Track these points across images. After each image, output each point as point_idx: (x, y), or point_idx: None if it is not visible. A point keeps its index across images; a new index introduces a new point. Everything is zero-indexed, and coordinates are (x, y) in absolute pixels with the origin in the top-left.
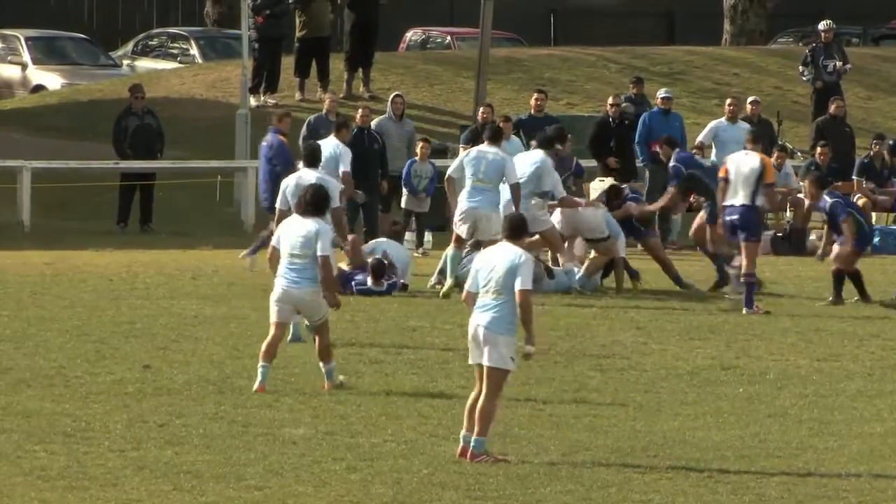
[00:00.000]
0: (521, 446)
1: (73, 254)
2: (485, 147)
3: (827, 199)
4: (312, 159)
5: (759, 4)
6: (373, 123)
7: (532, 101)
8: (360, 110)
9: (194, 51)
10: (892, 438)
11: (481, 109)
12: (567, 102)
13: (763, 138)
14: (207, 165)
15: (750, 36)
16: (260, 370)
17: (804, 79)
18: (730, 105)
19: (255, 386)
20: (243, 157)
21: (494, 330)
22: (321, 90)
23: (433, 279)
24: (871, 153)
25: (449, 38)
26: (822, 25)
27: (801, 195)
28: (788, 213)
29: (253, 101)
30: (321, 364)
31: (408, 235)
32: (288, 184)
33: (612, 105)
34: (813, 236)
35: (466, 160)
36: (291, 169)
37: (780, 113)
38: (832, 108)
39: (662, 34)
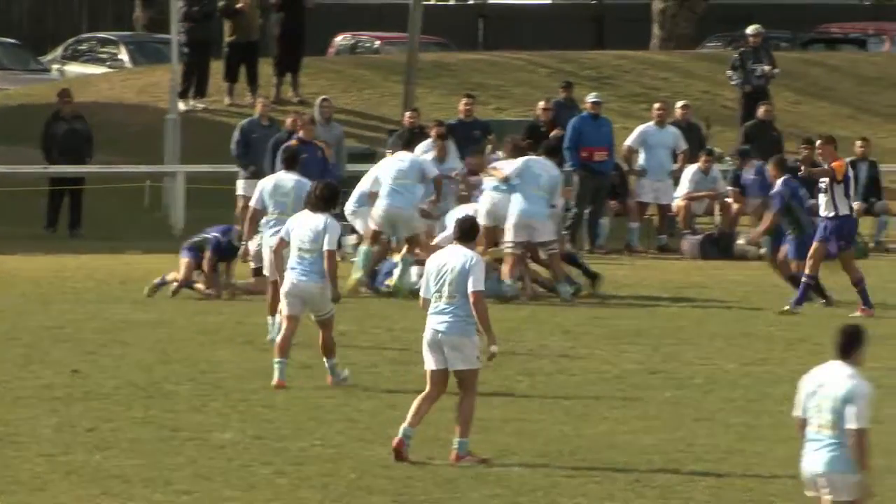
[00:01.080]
0: (449, 450)
1: (1, 258)
2: (400, 154)
3: (778, 185)
4: (292, 162)
5: (688, 9)
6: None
7: (461, 106)
8: (290, 115)
9: (124, 55)
10: None
11: (407, 114)
12: (496, 107)
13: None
14: (136, 170)
15: (679, 40)
16: (276, 366)
17: (733, 83)
18: (658, 109)
19: (275, 380)
20: (172, 162)
21: (454, 333)
22: (250, 94)
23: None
24: (800, 157)
25: (378, 42)
26: (750, 30)
27: (728, 199)
28: (717, 217)
29: (182, 106)
30: (324, 359)
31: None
32: (265, 185)
33: (543, 109)
34: (741, 241)
35: (383, 168)
36: (327, 175)
37: (708, 117)
38: (760, 113)
39: (591, 38)
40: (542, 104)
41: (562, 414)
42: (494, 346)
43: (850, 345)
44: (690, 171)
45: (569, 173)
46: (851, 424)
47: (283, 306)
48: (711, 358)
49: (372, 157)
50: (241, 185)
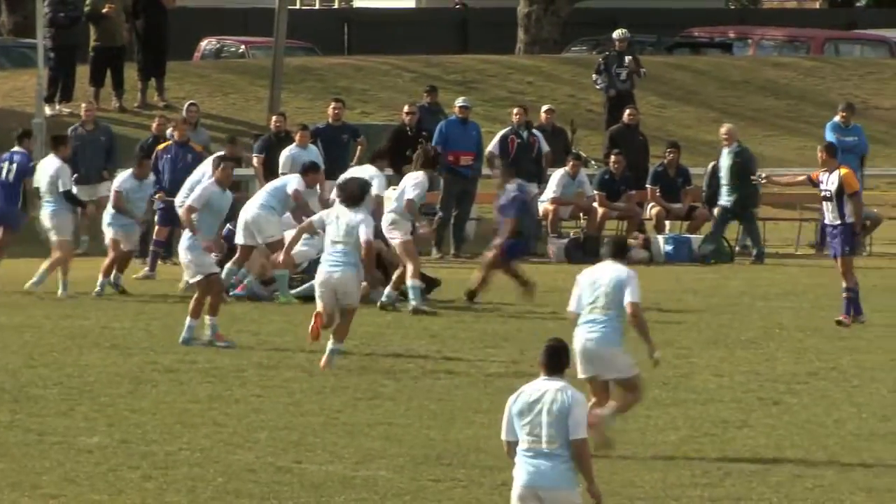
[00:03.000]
0: (315, 454)
1: None
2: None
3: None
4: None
5: (552, 13)
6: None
7: (330, 110)
8: (155, 119)
9: None
10: (685, 447)
11: (274, 118)
12: (361, 111)
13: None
14: None
15: (544, 44)
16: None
17: (598, 87)
18: (516, 114)
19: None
20: None
21: (607, 345)
22: (116, 99)
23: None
24: (665, 161)
25: (243, 47)
26: (616, 34)
27: (594, 203)
28: (581, 220)
29: (48, 111)
30: (331, 341)
31: None
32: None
33: (407, 113)
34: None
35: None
36: None
37: (573, 121)
38: (626, 117)
39: (456, 43)
40: (406, 108)
41: (428, 418)
42: (657, 353)
43: (558, 360)
44: (558, 175)
45: (435, 177)
46: (576, 435)
47: (317, 300)
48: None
49: (238, 163)
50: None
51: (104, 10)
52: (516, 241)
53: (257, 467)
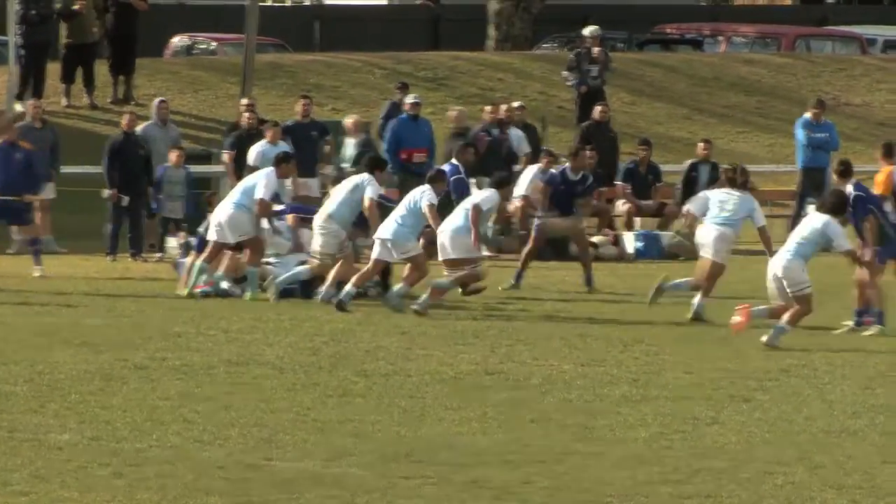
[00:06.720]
0: (286, 451)
1: None
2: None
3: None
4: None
5: (523, 10)
6: (138, 129)
7: (298, 107)
8: (125, 116)
9: None
10: (655, 443)
11: (246, 115)
12: (332, 108)
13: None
14: None
15: (515, 41)
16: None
17: (568, 84)
18: (490, 112)
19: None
20: None
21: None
22: (87, 96)
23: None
24: (637, 158)
25: (214, 43)
26: (587, 31)
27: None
28: None
29: (19, 108)
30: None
31: (172, 242)
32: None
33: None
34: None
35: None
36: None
37: (544, 118)
38: (596, 114)
39: (428, 39)
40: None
41: (398, 415)
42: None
43: None
44: (531, 172)
45: (390, 175)
46: None
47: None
48: (548, 358)
49: (208, 159)
50: None
51: (75, 7)
52: None
53: (227, 464)
